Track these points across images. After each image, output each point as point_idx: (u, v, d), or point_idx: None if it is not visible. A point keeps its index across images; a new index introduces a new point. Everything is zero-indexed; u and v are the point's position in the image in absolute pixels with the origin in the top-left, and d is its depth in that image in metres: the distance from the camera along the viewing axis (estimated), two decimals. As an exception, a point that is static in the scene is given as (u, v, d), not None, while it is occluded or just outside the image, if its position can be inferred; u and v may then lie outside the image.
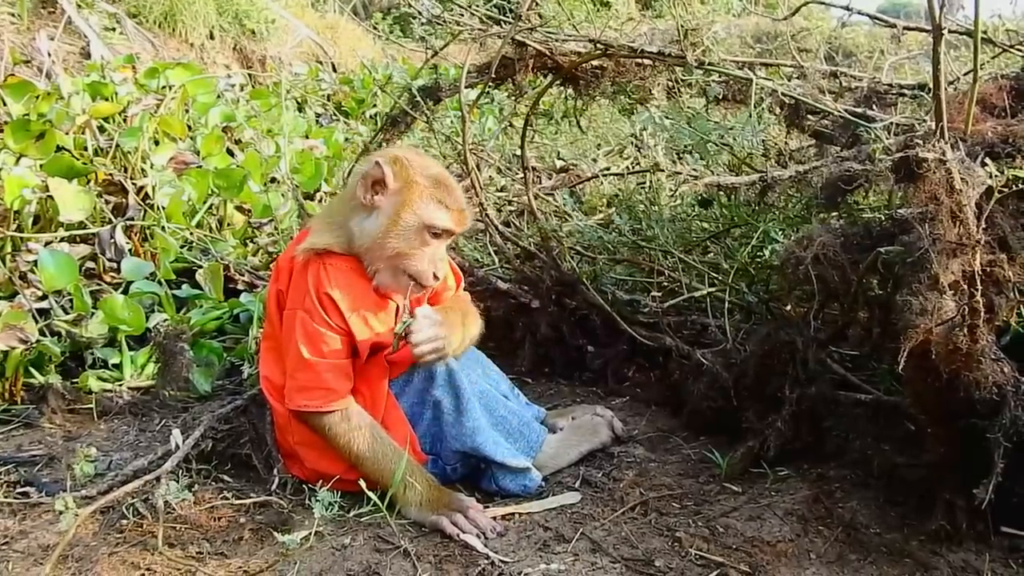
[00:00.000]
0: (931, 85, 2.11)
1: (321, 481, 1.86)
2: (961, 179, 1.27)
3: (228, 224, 3.74)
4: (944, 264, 1.28)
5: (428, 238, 1.90)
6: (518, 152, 3.87)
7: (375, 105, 6.76)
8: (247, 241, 3.70)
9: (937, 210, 1.27)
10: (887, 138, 2.06)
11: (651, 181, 3.19)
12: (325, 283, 1.86)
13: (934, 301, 1.30)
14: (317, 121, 6.23)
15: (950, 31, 2.65)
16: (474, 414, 1.93)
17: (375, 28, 8.87)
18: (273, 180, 4.09)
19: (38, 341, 2.47)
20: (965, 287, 1.29)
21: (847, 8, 2.12)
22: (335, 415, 1.88)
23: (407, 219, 1.87)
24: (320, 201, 4.25)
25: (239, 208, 3.84)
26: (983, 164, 1.52)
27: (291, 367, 1.91)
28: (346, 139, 5.44)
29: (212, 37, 7.31)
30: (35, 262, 2.88)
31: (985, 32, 2.00)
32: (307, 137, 5.18)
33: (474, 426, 1.92)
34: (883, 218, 1.87)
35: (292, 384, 1.90)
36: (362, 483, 1.82)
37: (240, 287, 3.22)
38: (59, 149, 3.46)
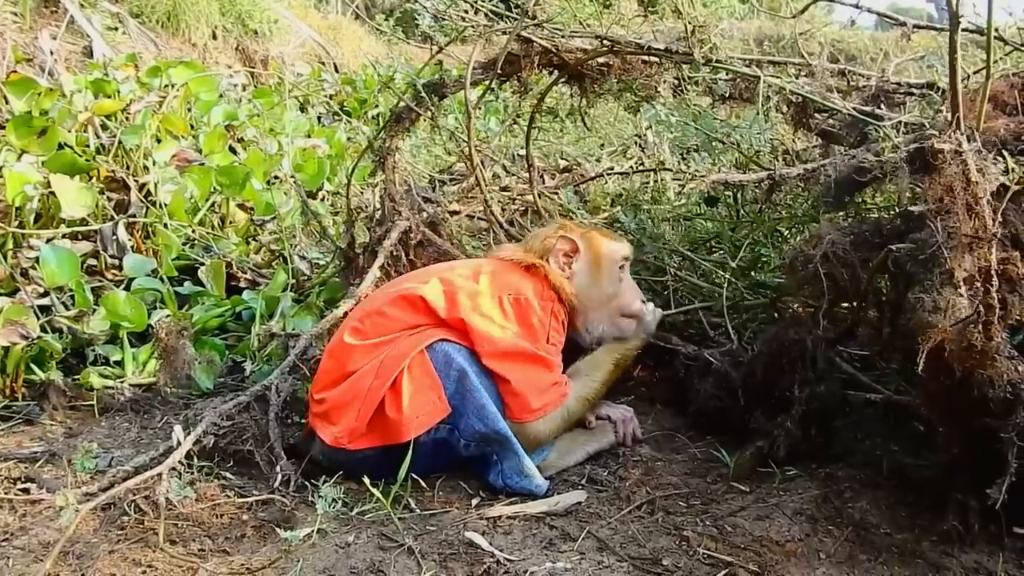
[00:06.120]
0: (941, 82, 2.11)
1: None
2: (977, 171, 1.25)
3: (230, 222, 3.72)
4: (959, 259, 1.26)
5: (619, 272, 2.25)
6: (521, 151, 3.88)
7: (377, 105, 6.76)
8: (249, 239, 3.69)
9: (952, 202, 1.25)
10: (896, 136, 2.05)
11: (656, 180, 3.18)
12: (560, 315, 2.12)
13: (949, 298, 1.28)
14: (319, 121, 6.22)
15: (963, 29, 2.65)
16: (493, 396, 1.94)
17: (379, 28, 8.86)
18: (276, 179, 4.07)
19: (39, 337, 2.45)
20: (980, 283, 1.27)
21: (856, 6, 2.10)
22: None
23: (605, 264, 2.22)
24: (323, 200, 4.24)
25: (241, 206, 3.82)
26: (995, 161, 1.51)
27: (531, 374, 1.98)
28: (349, 138, 5.43)
29: (215, 37, 7.31)
30: (36, 259, 2.86)
31: (997, 30, 1.99)
32: (309, 136, 5.17)
33: (496, 410, 1.93)
34: (893, 216, 1.86)
35: (529, 389, 1.97)
36: (366, 479, 1.80)
37: (242, 284, 3.21)
38: (61, 146, 3.44)
